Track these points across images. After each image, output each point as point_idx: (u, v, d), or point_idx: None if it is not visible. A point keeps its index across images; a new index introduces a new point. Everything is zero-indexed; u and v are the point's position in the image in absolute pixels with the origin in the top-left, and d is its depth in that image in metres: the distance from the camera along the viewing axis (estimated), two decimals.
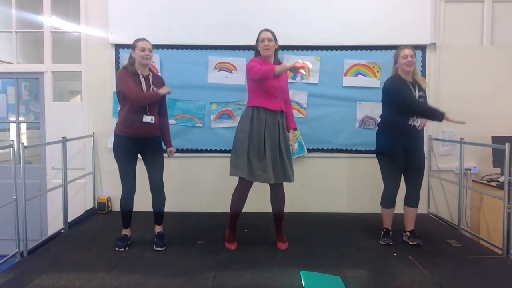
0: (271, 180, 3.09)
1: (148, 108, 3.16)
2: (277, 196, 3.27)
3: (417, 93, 3.28)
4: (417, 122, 3.26)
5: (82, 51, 4.42)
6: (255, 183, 3.20)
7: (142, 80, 3.18)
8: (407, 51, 3.26)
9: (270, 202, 3.32)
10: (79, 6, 4.38)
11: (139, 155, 3.32)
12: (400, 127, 3.28)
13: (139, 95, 3.12)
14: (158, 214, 3.38)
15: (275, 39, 3.19)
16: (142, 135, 3.18)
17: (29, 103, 5.17)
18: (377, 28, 4.28)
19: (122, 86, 3.15)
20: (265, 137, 3.12)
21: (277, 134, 3.15)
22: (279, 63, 3.27)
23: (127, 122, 3.17)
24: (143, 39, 3.21)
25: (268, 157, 3.10)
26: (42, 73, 4.47)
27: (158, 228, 3.38)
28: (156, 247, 3.24)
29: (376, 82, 4.29)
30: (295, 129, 3.41)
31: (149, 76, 3.24)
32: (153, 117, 3.18)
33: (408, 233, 3.44)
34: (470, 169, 4.37)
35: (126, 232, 3.37)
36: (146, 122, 3.15)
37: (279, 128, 3.17)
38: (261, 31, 3.21)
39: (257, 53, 3.25)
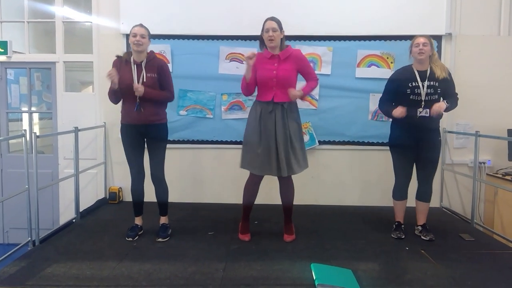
0: (267, 173, 3.11)
1: (138, 97, 3.11)
2: (285, 188, 3.24)
3: (425, 83, 3.17)
4: (427, 113, 3.16)
5: (93, 41, 4.42)
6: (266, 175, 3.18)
7: (134, 67, 3.14)
8: (420, 40, 3.19)
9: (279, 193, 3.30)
10: None
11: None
12: (409, 119, 3.20)
13: (108, 94, 3.23)
14: (160, 205, 3.37)
15: (281, 28, 3.08)
16: (141, 123, 3.16)
17: (42, 94, 5.20)
18: (391, 18, 4.20)
19: None
20: (261, 130, 3.09)
21: (273, 126, 3.07)
22: (287, 47, 3.15)
23: (125, 111, 3.22)
24: (138, 25, 3.14)
25: (264, 150, 3.07)
26: (54, 63, 4.48)
27: (162, 220, 3.39)
28: (157, 238, 3.24)
29: (389, 73, 4.16)
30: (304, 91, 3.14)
31: (142, 63, 3.15)
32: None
33: (419, 227, 3.40)
34: (484, 163, 4.29)
35: (137, 221, 3.39)
36: (138, 111, 3.13)
37: (275, 120, 3.07)
38: (266, 20, 3.11)
39: (262, 43, 3.17)
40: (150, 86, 3.13)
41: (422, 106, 3.17)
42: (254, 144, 3.11)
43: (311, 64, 4.22)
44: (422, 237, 3.31)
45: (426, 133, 3.23)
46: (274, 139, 3.06)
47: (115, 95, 3.21)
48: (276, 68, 3.08)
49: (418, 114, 3.17)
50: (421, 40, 3.18)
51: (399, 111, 3.16)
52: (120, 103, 3.29)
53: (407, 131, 3.24)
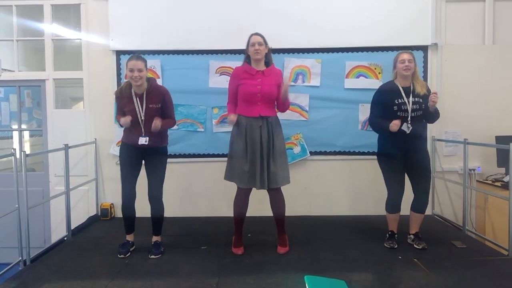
0: (257, 187, 3.14)
1: (142, 129, 3.14)
2: (275, 200, 3.25)
3: (410, 99, 3.20)
4: (408, 130, 3.19)
5: (83, 58, 4.44)
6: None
7: (136, 100, 3.14)
8: (404, 56, 3.22)
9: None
10: (79, 13, 4.40)
11: (143, 162, 3.31)
12: (397, 133, 3.21)
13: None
14: (155, 224, 3.34)
15: (266, 43, 3.20)
16: (143, 146, 3.17)
17: (32, 111, 5.19)
18: (378, 29, 4.26)
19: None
20: (247, 143, 3.13)
21: (259, 140, 3.11)
22: (270, 65, 3.25)
23: (127, 135, 3.22)
24: (134, 57, 3.07)
25: (251, 164, 3.12)
26: (43, 80, 4.48)
27: (154, 238, 3.36)
28: (150, 255, 3.21)
29: (378, 84, 4.21)
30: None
31: (143, 94, 3.15)
32: (147, 138, 3.13)
33: (412, 236, 3.41)
34: (474, 170, 4.33)
35: (128, 237, 3.37)
36: (142, 143, 3.14)
37: (261, 134, 3.12)
38: (251, 35, 3.22)
39: (247, 57, 3.25)
40: (152, 116, 3.12)
41: (409, 121, 3.21)
42: (241, 158, 3.15)
43: (300, 76, 4.31)
44: (415, 245, 3.32)
45: (413, 143, 3.26)
46: (259, 153, 3.11)
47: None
48: (260, 83, 3.15)
49: (404, 129, 3.19)
50: (406, 56, 3.22)
51: (395, 124, 3.16)
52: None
53: (395, 142, 3.26)
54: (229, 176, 3.26)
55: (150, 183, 3.27)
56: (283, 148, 3.25)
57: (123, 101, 3.18)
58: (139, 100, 3.14)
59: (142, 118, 3.14)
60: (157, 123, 3.07)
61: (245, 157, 3.13)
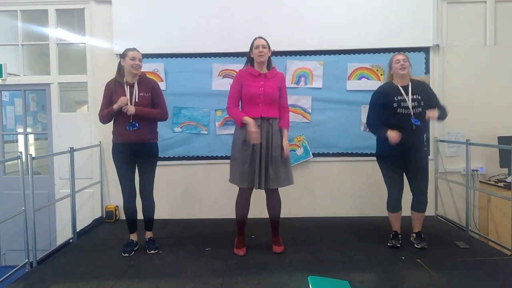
0: (256, 186, 3.18)
1: (131, 116, 3.21)
2: (272, 201, 3.30)
3: (409, 97, 3.26)
4: (418, 122, 3.22)
5: (87, 62, 4.49)
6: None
7: (127, 88, 3.25)
8: (399, 56, 3.33)
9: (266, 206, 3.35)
10: (84, 17, 4.46)
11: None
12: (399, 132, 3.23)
13: (99, 114, 3.30)
14: (147, 221, 3.45)
15: (269, 46, 3.27)
16: (134, 141, 3.25)
17: (37, 114, 5.23)
18: (380, 31, 4.29)
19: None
20: (248, 144, 3.16)
21: (260, 140, 3.14)
22: (271, 68, 3.32)
23: (118, 131, 3.29)
24: (134, 49, 3.29)
25: (251, 164, 3.15)
26: (48, 84, 4.53)
27: (148, 234, 3.47)
28: (149, 251, 3.31)
29: (379, 85, 4.28)
30: (287, 129, 3.31)
31: (135, 84, 3.27)
32: (136, 123, 3.23)
33: (414, 235, 3.45)
34: (477, 170, 4.34)
35: (132, 237, 3.43)
36: (134, 129, 3.22)
37: (261, 135, 3.14)
38: (255, 38, 3.30)
39: (249, 60, 3.32)
40: (143, 105, 3.25)
41: (412, 117, 3.24)
42: (241, 158, 3.18)
43: (302, 78, 4.34)
44: (415, 245, 3.36)
45: (412, 144, 3.27)
46: (259, 153, 3.15)
47: (112, 116, 3.27)
48: (263, 85, 3.21)
49: (413, 122, 3.22)
50: (401, 56, 3.32)
51: (394, 136, 3.17)
52: (111, 123, 3.35)
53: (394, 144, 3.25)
54: (232, 178, 3.29)
55: (142, 180, 3.37)
56: (281, 150, 3.25)
57: (114, 88, 3.27)
58: (129, 89, 3.26)
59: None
60: (128, 107, 3.17)
61: (245, 157, 3.16)
